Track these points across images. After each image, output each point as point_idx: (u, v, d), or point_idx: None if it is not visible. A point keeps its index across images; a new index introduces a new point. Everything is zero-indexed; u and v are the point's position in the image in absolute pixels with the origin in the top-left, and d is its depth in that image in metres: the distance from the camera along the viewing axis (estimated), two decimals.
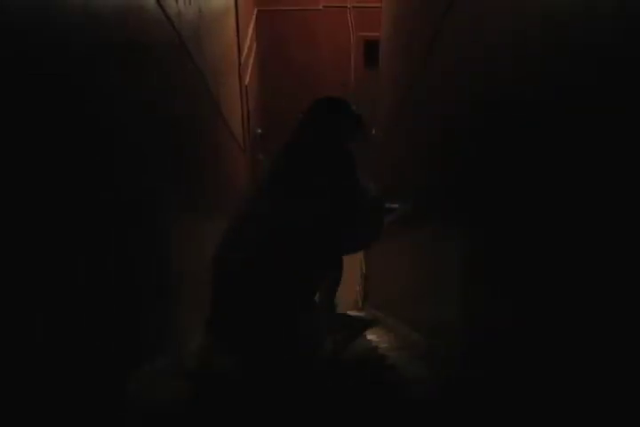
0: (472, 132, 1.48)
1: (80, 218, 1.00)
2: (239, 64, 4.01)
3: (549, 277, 0.96)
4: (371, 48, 6.09)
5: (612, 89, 0.75)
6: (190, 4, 2.03)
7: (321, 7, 6.35)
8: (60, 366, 0.92)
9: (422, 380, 1.70)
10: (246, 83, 4.34)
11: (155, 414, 1.31)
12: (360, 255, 5.55)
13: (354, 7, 6.27)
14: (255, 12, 5.77)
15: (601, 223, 0.79)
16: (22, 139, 0.79)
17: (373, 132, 5.10)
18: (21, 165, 0.79)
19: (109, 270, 1.16)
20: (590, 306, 0.82)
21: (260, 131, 5.59)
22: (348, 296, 5.54)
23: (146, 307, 1.44)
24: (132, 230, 1.34)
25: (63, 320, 0.93)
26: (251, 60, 4.94)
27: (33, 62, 0.82)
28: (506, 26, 1.20)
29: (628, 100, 0.71)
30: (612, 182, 0.76)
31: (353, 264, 5.94)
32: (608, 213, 0.77)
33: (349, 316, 2.76)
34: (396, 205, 2.29)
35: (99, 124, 1.11)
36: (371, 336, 3.02)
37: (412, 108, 2.61)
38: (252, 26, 5.33)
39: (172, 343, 1.68)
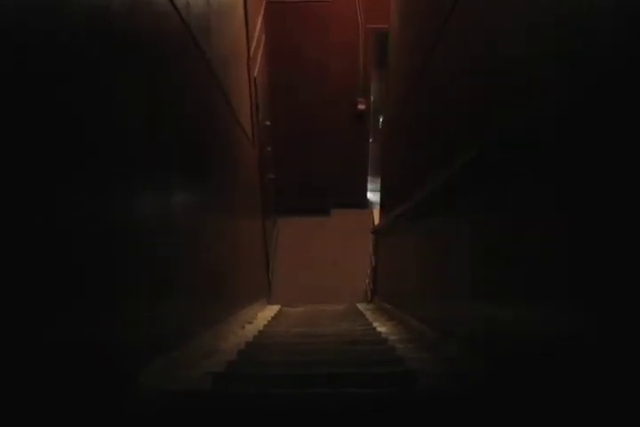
0: (475, 126, 1.47)
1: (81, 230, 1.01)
2: (248, 56, 4.00)
3: (553, 273, 0.96)
4: (379, 40, 6.06)
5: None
6: None
7: None
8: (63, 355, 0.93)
9: (430, 372, 1.70)
10: (255, 75, 4.33)
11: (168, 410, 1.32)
12: (370, 248, 5.56)
13: None
14: (264, 3, 5.75)
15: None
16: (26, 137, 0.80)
17: (381, 123, 5.06)
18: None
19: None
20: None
21: (268, 123, 5.58)
22: (358, 288, 5.56)
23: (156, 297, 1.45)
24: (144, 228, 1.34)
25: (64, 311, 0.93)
26: (259, 52, 4.93)
27: (36, 56, 0.82)
28: (513, 15, 1.19)
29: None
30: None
31: (363, 257, 5.94)
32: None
33: None
34: None
35: (107, 119, 1.11)
36: (380, 328, 3.03)
37: (420, 100, 2.60)
38: (260, 18, 5.31)
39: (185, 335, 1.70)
